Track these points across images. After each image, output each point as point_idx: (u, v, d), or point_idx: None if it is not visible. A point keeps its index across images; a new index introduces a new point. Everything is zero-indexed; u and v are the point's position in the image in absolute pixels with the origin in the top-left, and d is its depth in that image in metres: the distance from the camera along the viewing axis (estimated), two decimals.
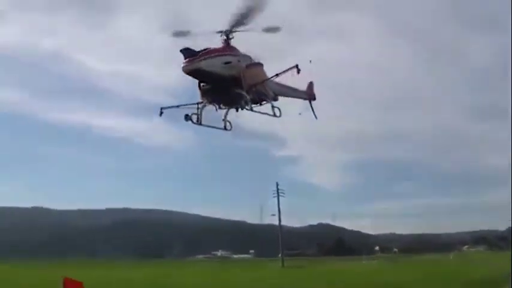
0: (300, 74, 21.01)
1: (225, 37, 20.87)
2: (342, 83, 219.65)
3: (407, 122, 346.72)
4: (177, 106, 21.98)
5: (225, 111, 21.61)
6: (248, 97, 21.18)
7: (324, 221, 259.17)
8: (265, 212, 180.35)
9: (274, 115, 22.34)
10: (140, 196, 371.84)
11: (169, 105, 22.20)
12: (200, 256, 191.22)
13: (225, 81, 20.64)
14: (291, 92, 24.02)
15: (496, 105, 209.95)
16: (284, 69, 21.17)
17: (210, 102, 21.43)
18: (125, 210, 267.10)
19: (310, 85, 25.45)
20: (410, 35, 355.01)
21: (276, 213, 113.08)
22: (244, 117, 22.44)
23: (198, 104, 21.50)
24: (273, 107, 22.44)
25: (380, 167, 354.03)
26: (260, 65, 21.89)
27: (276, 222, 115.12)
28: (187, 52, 19.86)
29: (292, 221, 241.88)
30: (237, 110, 21.68)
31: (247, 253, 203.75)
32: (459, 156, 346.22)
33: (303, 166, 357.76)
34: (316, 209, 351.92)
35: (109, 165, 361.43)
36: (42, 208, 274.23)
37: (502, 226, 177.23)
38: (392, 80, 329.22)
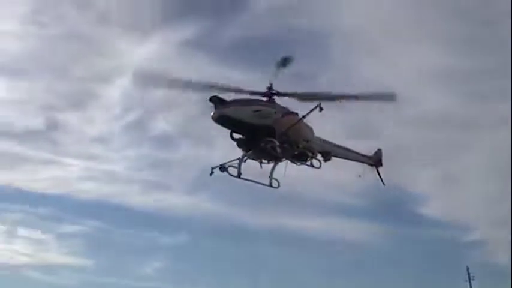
0: None
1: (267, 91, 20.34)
2: None
3: None
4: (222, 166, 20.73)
5: (271, 166, 20.74)
6: (280, 147, 19.91)
7: None
8: None
9: (312, 166, 21.16)
10: None
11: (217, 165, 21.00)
12: None
13: (257, 131, 19.67)
14: (350, 155, 23.55)
15: None
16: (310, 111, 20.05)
17: (251, 155, 20.54)
18: None
19: (378, 152, 24.94)
20: None
21: None
22: None
23: (242, 158, 20.36)
24: (312, 158, 21.22)
25: None
26: (296, 114, 20.58)
27: None
28: (215, 100, 19.44)
29: None
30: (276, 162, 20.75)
31: None
32: None
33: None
34: None
35: None
36: None
37: None
38: None
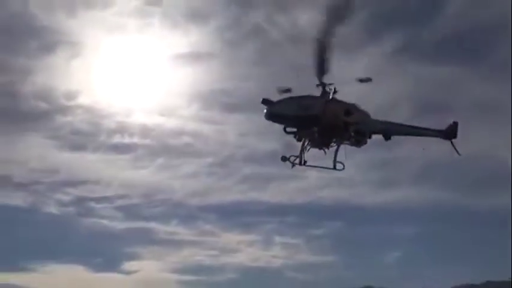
0: None
1: (322, 89, 22.78)
2: None
3: None
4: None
5: (334, 151, 22.97)
6: (330, 133, 22.56)
7: None
8: None
9: (335, 168, 23.22)
10: None
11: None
12: None
13: (304, 122, 22.28)
14: (416, 131, 24.88)
15: None
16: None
17: (312, 144, 23.01)
18: None
19: (453, 124, 25.60)
20: None
21: None
22: None
23: (302, 148, 22.98)
24: (335, 161, 23.18)
25: None
26: (340, 101, 23.00)
27: None
28: (265, 102, 22.46)
29: None
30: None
31: None
32: None
33: None
34: None
35: None
36: None
37: None
38: None
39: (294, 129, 23.03)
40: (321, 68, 21.82)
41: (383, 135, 24.01)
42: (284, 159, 23.05)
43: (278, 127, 22.90)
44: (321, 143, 22.94)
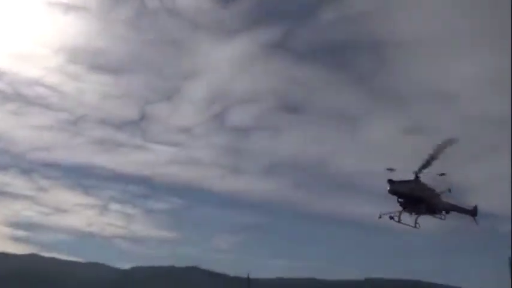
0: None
1: (415, 175, 37.03)
2: None
3: None
4: (392, 216, 37.23)
5: (416, 216, 37.23)
6: (422, 208, 37.03)
7: None
8: None
9: (415, 227, 37.46)
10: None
11: (386, 212, 37.46)
12: None
13: (413, 198, 36.42)
14: (459, 209, 39.87)
15: None
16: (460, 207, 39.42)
17: (406, 211, 36.96)
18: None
19: (475, 207, 41.03)
20: None
21: None
22: None
23: (401, 211, 37.22)
24: (416, 222, 37.60)
25: None
26: (434, 190, 37.45)
27: None
28: (390, 181, 36.39)
29: None
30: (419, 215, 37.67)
31: None
32: None
33: None
34: None
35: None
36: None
37: None
38: None
39: (401, 200, 36.50)
40: (427, 165, 35.35)
41: (446, 212, 38.86)
42: (384, 215, 37.10)
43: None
44: (413, 211, 36.79)
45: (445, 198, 38.40)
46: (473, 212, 40.69)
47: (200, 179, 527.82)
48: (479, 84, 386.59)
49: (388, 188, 36.09)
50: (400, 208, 36.72)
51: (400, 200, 36.60)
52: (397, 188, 36.23)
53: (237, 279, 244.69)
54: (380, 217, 36.73)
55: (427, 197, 36.97)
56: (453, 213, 39.46)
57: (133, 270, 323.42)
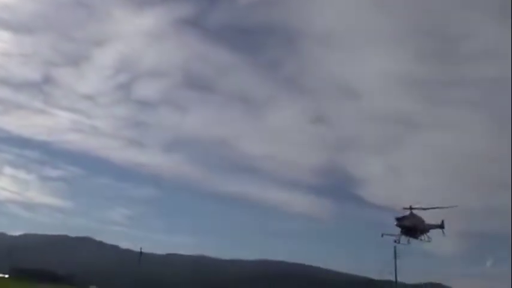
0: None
1: (409, 210, 53.96)
2: None
3: None
4: (393, 237, 54.30)
5: (409, 239, 53.80)
6: (415, 233, 53.67)
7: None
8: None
9: (428, 241, 54.60)
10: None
11: (388, 233, 54.01)
12: None
13: (409, 228, 52.96)
14: (434, 226, 54.87)
15: None
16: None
17: (404, 235, 53.70)
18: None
19: (443, 222, 55.23)
20: None
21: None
22: None
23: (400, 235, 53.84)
24: (427, 236, 54.64)
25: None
26: (420, 219, 53.77)
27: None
28: (397, 218, 53.01)
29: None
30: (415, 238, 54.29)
31: None
32: None
33: None
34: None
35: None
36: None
37: None
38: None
39: (402, 229, 52.69)
40: (421, 232, 53.80)
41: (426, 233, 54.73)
42: (395, 241, 54.64)
43: None
44: (408, 234, 52.87)
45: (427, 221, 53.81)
46: (441, 226, 54.67)
47: (100, 149, 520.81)
48: (385, 81, 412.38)
49: (396, 223, 52.34)
50: (400, 233, 52.83)
51: (402, 230, 52.58)
52: (403, 223, 52.20)
53: (128, 252, 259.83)
54: (382, 236, 53.31)
55: (418, 225, 53.08)
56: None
57: (25, 236, 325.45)
